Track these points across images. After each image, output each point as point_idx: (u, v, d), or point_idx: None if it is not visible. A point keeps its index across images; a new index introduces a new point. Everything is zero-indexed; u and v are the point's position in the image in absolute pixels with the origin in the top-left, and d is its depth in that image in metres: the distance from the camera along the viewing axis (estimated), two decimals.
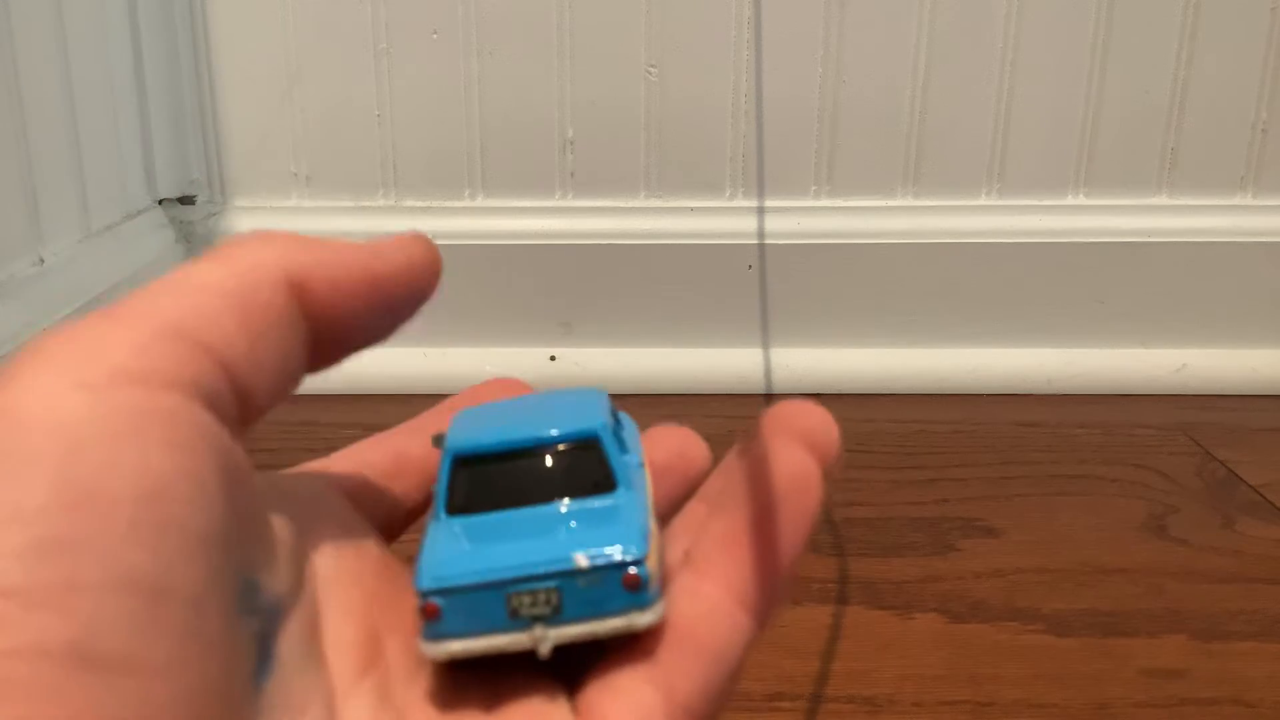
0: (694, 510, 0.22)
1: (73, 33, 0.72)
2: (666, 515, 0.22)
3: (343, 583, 0.19)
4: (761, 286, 0.88)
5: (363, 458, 0.22)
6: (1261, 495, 0.70)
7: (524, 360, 0.87)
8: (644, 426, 0.25)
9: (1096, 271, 0.88)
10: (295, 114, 0.87)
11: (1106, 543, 0.64)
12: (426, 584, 0.18)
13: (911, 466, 0.74)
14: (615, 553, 0.18)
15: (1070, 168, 0.88)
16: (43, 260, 0.68)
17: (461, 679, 0.19)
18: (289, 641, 0.17)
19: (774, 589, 0.19)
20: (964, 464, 0.75)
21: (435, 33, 0.85)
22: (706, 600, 0.19)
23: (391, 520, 0.22)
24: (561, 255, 0.88)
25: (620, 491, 0.20)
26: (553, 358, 0.88)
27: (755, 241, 0.87)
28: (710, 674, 0.18)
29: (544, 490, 0.20)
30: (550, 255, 0.88)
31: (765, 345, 0.89)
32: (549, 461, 0.20)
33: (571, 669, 0.19)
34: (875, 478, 0.72)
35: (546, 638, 0.18)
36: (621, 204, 0.89)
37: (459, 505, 0.20)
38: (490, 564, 0.18)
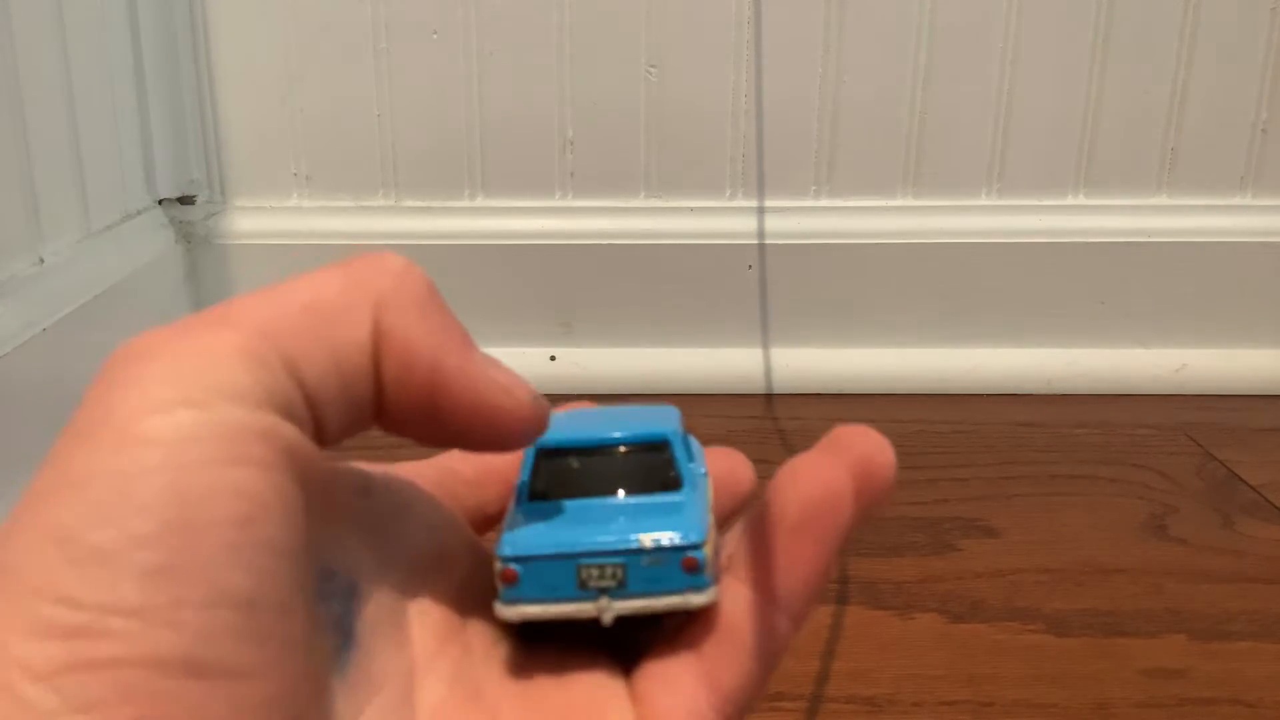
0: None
1: (73, 32, 0.72)
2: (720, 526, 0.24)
3: (428, 563, 0.21)
4: (761, 286, 0.88)
5: (450, 465, 0.24)
6: (1261, 495, 0.70)
7: (524, 360, 0.87)
8: None
9: (1096, 271, 0.88)
10: (295, 114, 0.87)
11: (1106, 543, 0.64)
12: (507, 551, 0.20)
13: (911, 466, 0.74)
14: (677, 537, 0.20)
15: (1070, 168, 0.88)
16: (43, 260, 0.68)
17: (533, 655, 0.21)
18: (368, 620, 0.19)
19: (805, 593, 0.21)
20: (964, 464, 0.75)
21: (435, 33, 0.85)
22: (745, 600, 0.21)
23: (475, 522, 0.24)
24: (561, 255, 0.88)
25: (685, 490, 0.22)
26: (553, 358, 0.88)
27: (755, 241, 0.87)
28: (749, 669, 0.20)
29: (618, 483, 0.22)
30: (550, 255, 0.88)
31: (765, 345, 0.89)
32: (624, 459, 0.22)
33: (629, 652, 0.21)
34: None
35: (611, 608, 0.20)
36: (621, 204, 0.88)
37: (540, 491, 0.22)
38: (565, 539, 0.20)
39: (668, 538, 0.20)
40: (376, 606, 0.19)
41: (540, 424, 0.20)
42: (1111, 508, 0.69)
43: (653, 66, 0.86)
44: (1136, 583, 0.60)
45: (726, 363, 0.88)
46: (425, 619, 0.20)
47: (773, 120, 0.87)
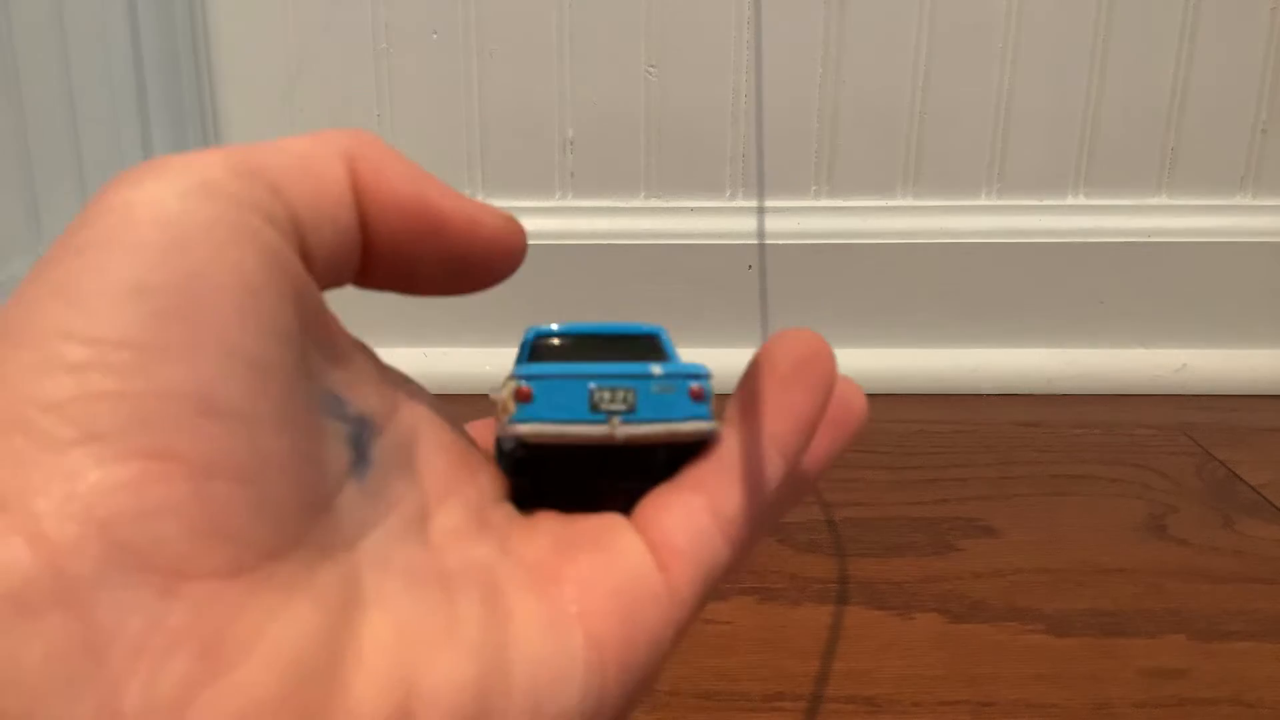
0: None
1: (73, 33, 0.72)
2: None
3: (433, 424, 0.21)
4: (761, 286, 0.88)
5: None
6: (1261, 495, 0.70)
7: None
8: None
9: (1096, 271, 0.88)
10: (295, 114, 0.87)
11: (1106, 543, 0.64)
12: (522, 371, 0.21)
13: (911, 466, 0.74)
14: (685, 367, 0.22)
15: (1070, 168, 0.88)
16: None
17: (541, 506, 0.22)
18: (383, 448, 0.19)
19: (796, 434, 0.22)
20: (964, 464, 0.75)
21: (435, 33, 0.85)
22: (737, 439, 0.21)
23: None
24: (561, 255, 0.88)
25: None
26: None
27: (755, 241, 0.87)
28: (748, 499, 0.21)
29: (616, 354, 0.23)
30: (550, 255, 0.88)
31: None
32: (619, 341, 0.24)
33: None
34: (875, 478, 0.72)
35: (621, 429, 0.21)
36: (621, 204, 0.89)
37: (539, 359, 0.23)
38: (577, 366, 0.21)
39: (676, 366, 0.21)
40: (388, 440, 0.19)
41: (525, 244, 0.21)
42: (1111, 508, 0.69)
43: (653, 66, 0.86)
44: (1136, 583, 0.60)
45: (726, 363, 0.88)
46: (434, 463, 0.20)
47: (773, 120, 0.87)
